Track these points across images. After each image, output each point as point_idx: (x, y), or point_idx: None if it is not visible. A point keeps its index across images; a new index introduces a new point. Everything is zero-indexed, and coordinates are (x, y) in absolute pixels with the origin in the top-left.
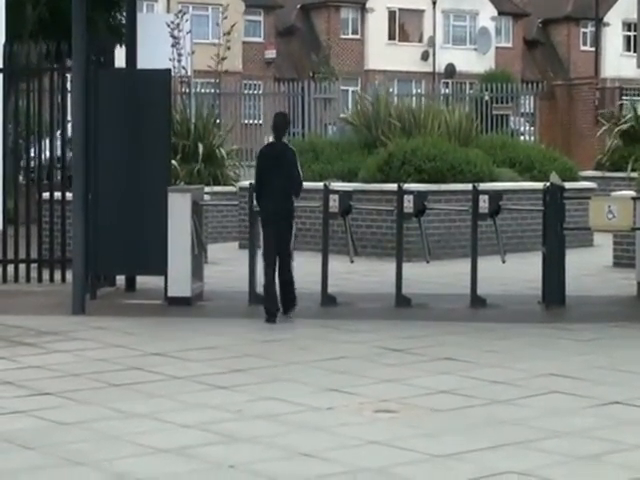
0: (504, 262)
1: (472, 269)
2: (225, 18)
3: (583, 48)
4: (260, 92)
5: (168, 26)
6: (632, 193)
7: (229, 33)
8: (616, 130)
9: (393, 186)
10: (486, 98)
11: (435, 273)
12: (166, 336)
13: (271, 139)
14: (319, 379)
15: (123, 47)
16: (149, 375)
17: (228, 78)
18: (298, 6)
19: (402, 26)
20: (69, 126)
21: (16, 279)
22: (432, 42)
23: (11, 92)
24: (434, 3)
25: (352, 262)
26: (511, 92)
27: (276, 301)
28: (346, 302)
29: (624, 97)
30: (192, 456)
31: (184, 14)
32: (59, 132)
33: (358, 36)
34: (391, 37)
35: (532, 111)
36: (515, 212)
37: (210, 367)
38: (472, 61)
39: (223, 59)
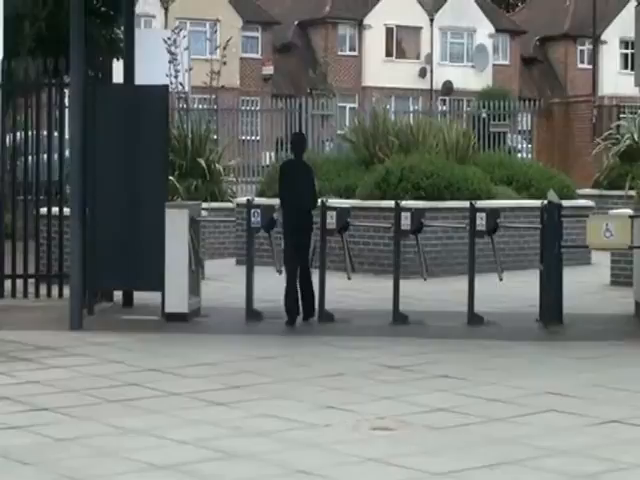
0: (501, 280)
1: (469, 286)
2: (215, 32)
3: (580, 66)
4: (257, 108)
5: (165, 42)
6: (630, 211)
7: (225, 48)
8: (615, 150)
9: (390, 203)
10: (483, 115)
11: (432, 290)
12: (163, 352)
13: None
14: (316, 396)
15: (121, 62)
16: (146, 391)
17: (226, 94)
18: (295, 22)
19: (399, 43)
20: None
21: (13, 294)
22: (429, 59)
23: (9, 107)
24: (431, 20)
25: (349, 279)
26: (508, 109)
27: (297, 306)
28: (343, 319)
29: (622, 115)
30: (188, 472)
31: (181, 30)
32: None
33: (355, 53)
34: (388, 54)
35: (529, 129)
36: (513, 230)
37: (207, 383)
38: (469, 78)
39: (217, 73)
